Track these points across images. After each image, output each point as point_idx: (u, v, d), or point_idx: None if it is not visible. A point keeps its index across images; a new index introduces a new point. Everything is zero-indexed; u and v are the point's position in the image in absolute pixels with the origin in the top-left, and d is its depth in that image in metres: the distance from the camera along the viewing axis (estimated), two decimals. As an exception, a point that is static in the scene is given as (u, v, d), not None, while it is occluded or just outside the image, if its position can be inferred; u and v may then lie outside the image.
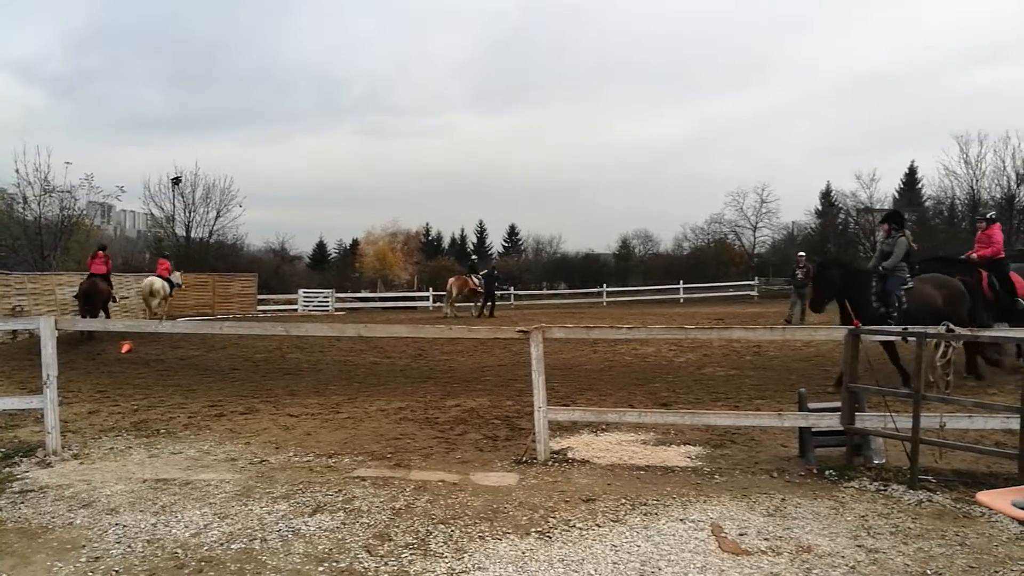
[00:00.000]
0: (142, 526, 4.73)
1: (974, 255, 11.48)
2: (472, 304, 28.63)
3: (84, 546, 4.39)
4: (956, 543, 4.41)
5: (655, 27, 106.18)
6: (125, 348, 15.13)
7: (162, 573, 4.01)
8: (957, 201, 45.85)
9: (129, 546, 4.39)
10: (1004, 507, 3.85)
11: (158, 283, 22.14)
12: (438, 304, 36.81)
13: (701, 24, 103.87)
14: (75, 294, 18.56)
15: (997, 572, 3.99)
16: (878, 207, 49.33)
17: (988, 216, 12.05)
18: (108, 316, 18.28)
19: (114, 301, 19.65)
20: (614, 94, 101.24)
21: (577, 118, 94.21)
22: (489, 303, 27.30)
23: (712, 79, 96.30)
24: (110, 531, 4.63)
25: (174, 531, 4.65)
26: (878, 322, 9.40)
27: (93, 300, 17.80)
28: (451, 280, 28.00)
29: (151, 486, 5.63)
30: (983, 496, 4.06)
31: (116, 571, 4.02)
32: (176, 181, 41.22)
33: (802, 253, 23.85)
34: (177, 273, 24.93)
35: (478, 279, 27.79)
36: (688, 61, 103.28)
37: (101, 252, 19.19)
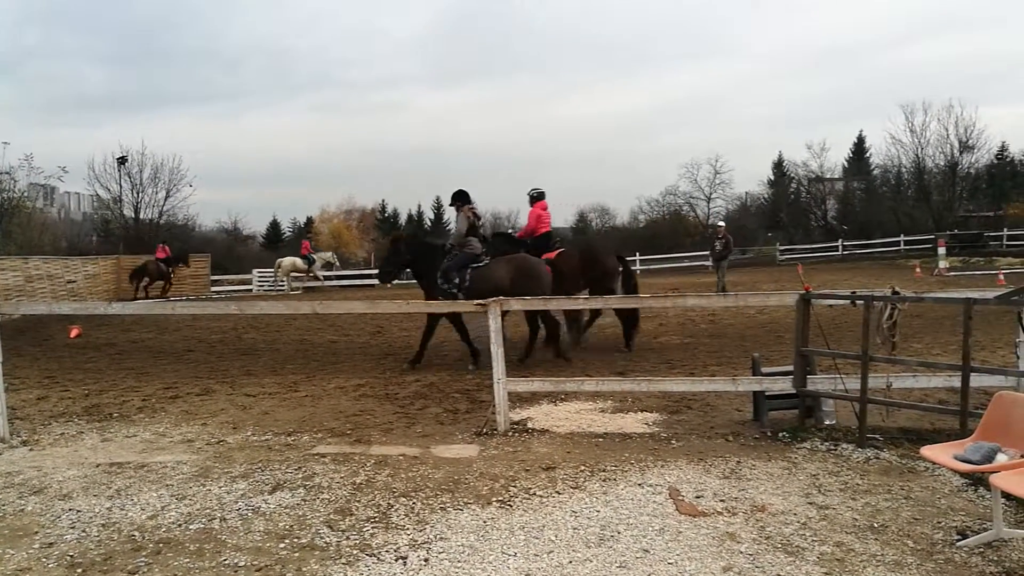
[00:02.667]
0: (96, 511, 4.65)
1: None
2: None
3: (36, 532, 4.30)
4: (902, 497, 4.57)
5: (610, 2, 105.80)
6: (74, 333, 14.76)
7: (119, 556, 3.96)
8: (903, 169, 47.01)
9: (84, 531, 4.32)
10: (946, 461, 4.00)
11: (287, 261, 29.95)
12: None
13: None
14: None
15: (940, 523, 4.15)
16: (828, 176, 50.42)
17: (532, 193, 11.37)
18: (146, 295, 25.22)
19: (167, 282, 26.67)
20: (570, 68, 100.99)
21: (533, 93, 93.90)
22: None
23: (667, 53, 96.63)
24: (63, 517, 4.54)
25: (130, 514, 4.58)
26: (446, 298, 9.65)
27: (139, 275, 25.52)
28: None
29: (105, 470, 5.53)
30: (926, 451, 4.22)
31: (71, 556, 3.95)
32: (122, 161, 40.10)
33: (721, 223, 23.93)
34: (328, 253, 32.39)
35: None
36: (643, 35, 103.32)
37: (161, 244, 28.47)
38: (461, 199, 10.38)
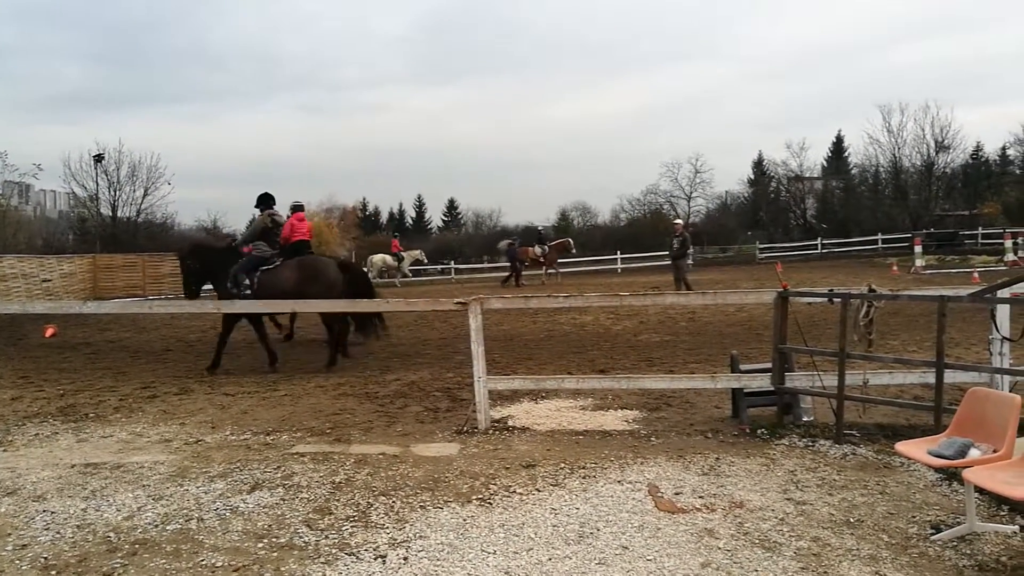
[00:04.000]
0: (71, 511, 4.59)
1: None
2: (541, 272, 29.52)
3: (10, 534, 4.24)
4: (877, 492, 4.63)
5: (594, 4, 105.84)
6: (49, 332, 14.58)
7: (94, 558, 3.91)
8: (881, 168, 47.52)
9: (58, 532, 4.26)
10: (921, 456, 4.05)
11: (378, 258, 32.09)
12: (377, 279, 36.51)
13: (641, 3, 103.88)
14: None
15: (914, 517, 4.20)
16: (807, 175, 50.83)
17: (292, 204, 11.49)
18: None
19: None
20: (554, 70, 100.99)
21: (517, 94, 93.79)
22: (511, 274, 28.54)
23: (650, 55, 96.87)
24: (37, 518, 4.48)
25: (106, 515, 4.53)
26: (246, 298, 9.81)
27: None
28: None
29: (80, 471, 5.47)
30: (902, 447, 4.27)
31: (45, 558, 3.90)
32: (98, 159, 39.51)
33: (678, 221, 23.86)
34: (417, 251, 33.87)
35: (541, 249, 28.69)
36: (626, 37, 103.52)
37: None
38: (264, 203, 10.68)
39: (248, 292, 9.91)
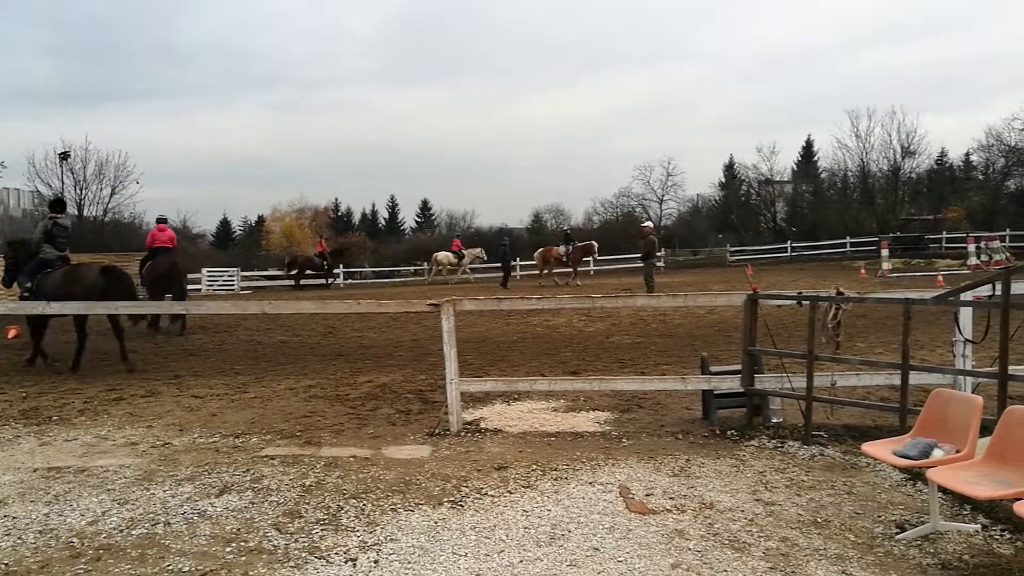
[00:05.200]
0: (33, 516, 4.49)
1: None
2: (567, 272, 29.11)
3: (-31, 540, 4.14)
4: (844, 492, 4.69)
5: (566, 5, 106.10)
6: (11, 333, 14.23)
7: (56, 564, 3.83)
8: (849, 173, 48.22)
9: (19, 538, 4.17)
10: (886, 456, 4.12)
11: (441, 255, 33.36)
12: (349, 281, 36.32)
13: (613, 4, 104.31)
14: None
15: (880, 516, 4.27)
16: (778, 179, 51.46)
17: (158, 217, 14.80)
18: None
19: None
20: (526, 70, 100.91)
21: (490, 95, 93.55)
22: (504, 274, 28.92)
23: (621, 56, 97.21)
24: (-2, 523, 4.38)
25: (69, 520, 4.44)
26: (25, 299, 10.42)
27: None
28: (537, 251, 29.84)
29: (43, 475, 5.35)
30: (868, 447, 4.33)
31: (5, 564, 3.81)
32: (64, 156, 38.89)
33: (647, 223, 24.12)
34: (477, 249, 34.56)
35: (565, 248, 28.68)
36: (599, 39, 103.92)
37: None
38: (53, 208, 11.51)
39: (27, 294, 10.43)
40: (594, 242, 30.79)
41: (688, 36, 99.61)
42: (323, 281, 33.54)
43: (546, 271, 28.88)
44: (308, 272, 33.58)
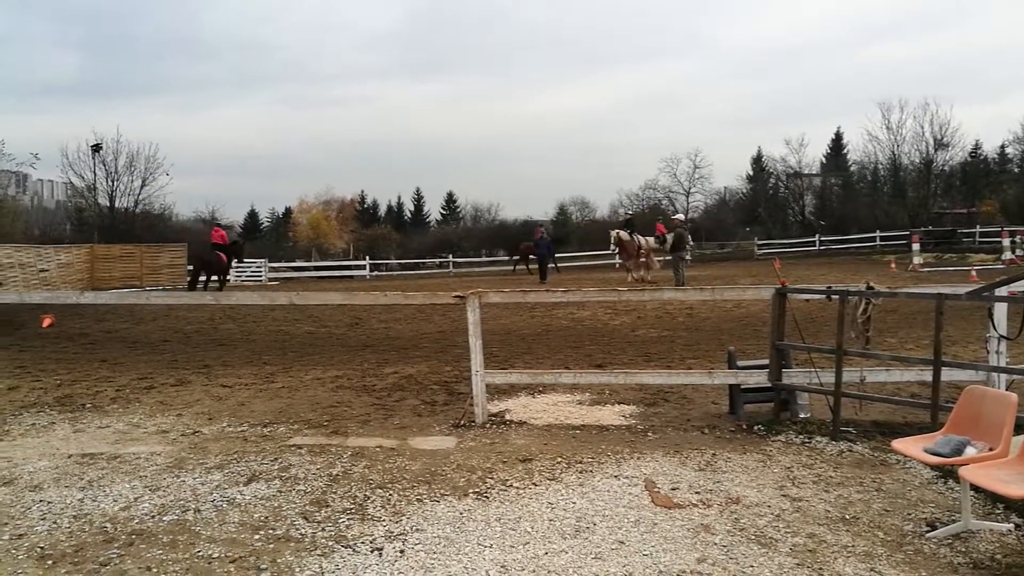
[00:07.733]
0: (68, 502, 4.59)
1: None
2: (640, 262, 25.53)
3: (6, 524, 4.23)
4: (873, 489, 4.64)
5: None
6: (46, 322, 14.51)
7: (90, 548, 3.91)
8: (880, 166, 47.49)
9: (55, 522, 4.26)
10: (917, 454, 4.06)
11: (624, 233, 25.22)
12: (375, 273, 36.48)
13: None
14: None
15: (910, 514, 4.21)
16: (806, 171, 50.81)
17: (214, 221, 14.83)
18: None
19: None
20: (553, 62, 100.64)
21: (514, 87, 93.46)
22: (541, 267, 27.18)
23: (647, 49, 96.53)
24: (34, 508, 4.48)
25: (102, 505, 4.53)
26: None
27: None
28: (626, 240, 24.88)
29: (77, 461, 5.46)
30: (898, 444, 4.27)
31: (41, 548, 3.90)
32: (96, 148, 39.38)
33: (678, 216, 22.70)
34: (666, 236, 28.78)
35: (657, 239, 25.46)
36: (625, 30, 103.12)
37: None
38: None
39: None
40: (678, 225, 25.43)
41: (717, 29, 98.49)
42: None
43: (634, 261, 24.62)
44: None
